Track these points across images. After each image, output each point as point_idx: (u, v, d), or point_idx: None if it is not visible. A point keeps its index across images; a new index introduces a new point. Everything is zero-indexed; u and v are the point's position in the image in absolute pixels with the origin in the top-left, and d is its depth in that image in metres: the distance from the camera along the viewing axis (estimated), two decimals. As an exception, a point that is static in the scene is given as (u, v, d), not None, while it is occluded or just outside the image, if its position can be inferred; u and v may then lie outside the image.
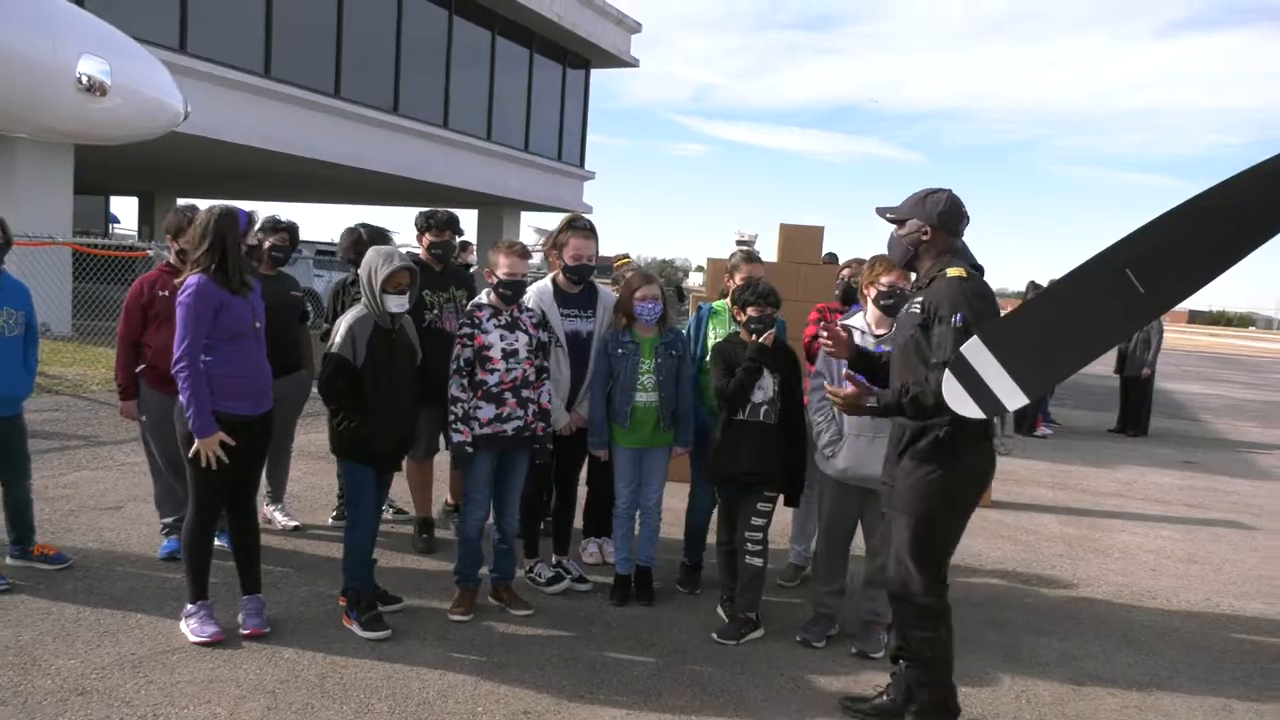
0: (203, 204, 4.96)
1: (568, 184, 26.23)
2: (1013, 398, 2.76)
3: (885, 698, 3.73)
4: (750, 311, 4.39)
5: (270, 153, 16.58)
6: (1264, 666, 4.51)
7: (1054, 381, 2.85)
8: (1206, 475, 9.62)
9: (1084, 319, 2.63)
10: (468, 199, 23.38)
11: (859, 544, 4.51)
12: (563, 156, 25.70)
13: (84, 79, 5.89)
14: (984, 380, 2.75)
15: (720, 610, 4.62)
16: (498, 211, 25.37)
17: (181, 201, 4.96)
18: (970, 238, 4.29)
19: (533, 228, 26.48)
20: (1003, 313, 3.14)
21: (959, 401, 2.87)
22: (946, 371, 3.00)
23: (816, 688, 3.91)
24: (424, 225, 5.33)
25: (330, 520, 5.73)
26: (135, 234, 30.77)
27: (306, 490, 6.34)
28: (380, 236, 5.72)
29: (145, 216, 30.07)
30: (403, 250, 4.30)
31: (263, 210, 4.70)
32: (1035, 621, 4.89)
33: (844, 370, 3.88)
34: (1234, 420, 14.90)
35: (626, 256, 5.87)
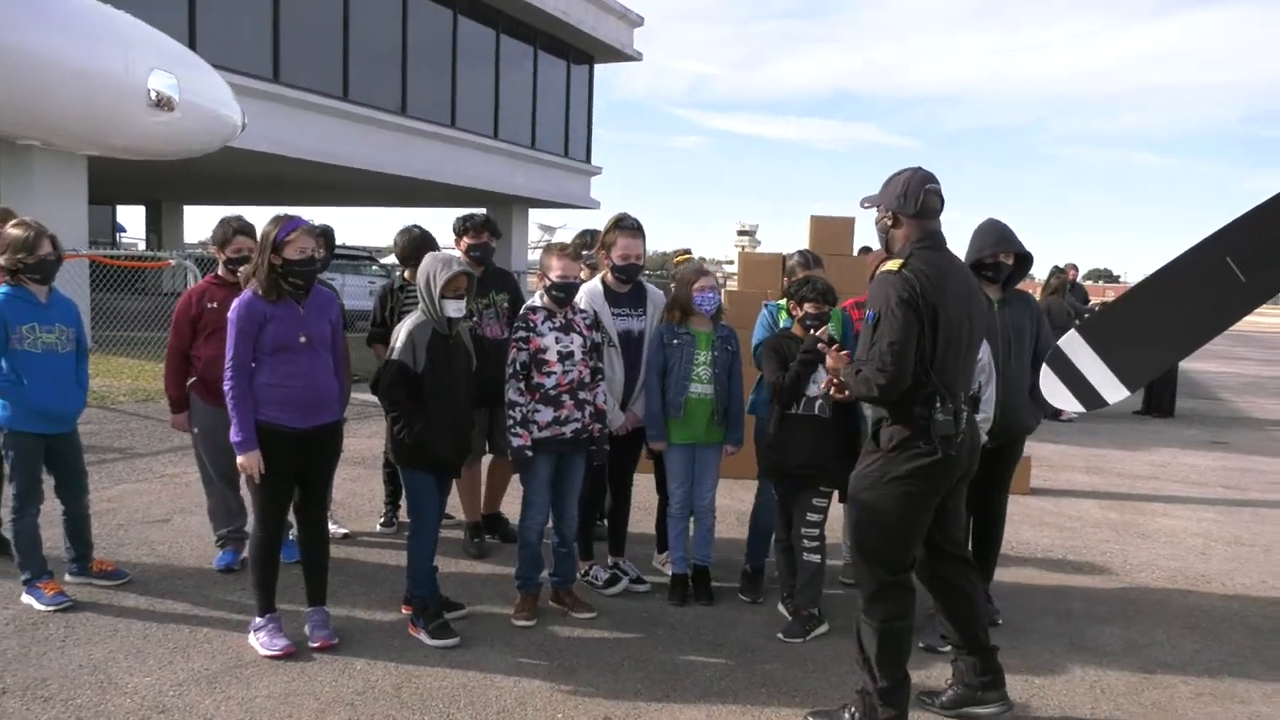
0: (221, 212, 4.93)
1: (575, 180, 26.16)
2: (1113, 390, 2.74)
3: (954, 689, 3.72)
4: (808, 307, 4.37)
5: (280, 158, 16.54)
6: (1331, 649, 4.48)
7: (1153, 374, 2.76)
8: (1239, 455, 9.58)
9: (1183, 310, 2.59)
10: (476, 198, 23.33)
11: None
12: (569, 152, 25.62)
13: (154, 94, 5.84)
14: (1082, 373, 2.72)
15: (782, 607, 4.60)
16: (507, 209, 25.30)
17: (231, 211, 4.92)
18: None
19: (539, 225, 26.46)
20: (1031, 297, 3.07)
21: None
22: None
23: (890, 684, 3.88)
24: (461, 229, 5.30)
25: (378, 527, 5.71)
26: (143, 243, 30.80)
27: (349, 497, 6.32)
28: (428, 238, 5.68)
29: (153, 225, 30.04)
30: (457, 256, 4.28)
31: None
32: (1095, 609, 4.87)
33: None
34: (1256, 398, 14.85)
35: (687, 252, 5.83)
